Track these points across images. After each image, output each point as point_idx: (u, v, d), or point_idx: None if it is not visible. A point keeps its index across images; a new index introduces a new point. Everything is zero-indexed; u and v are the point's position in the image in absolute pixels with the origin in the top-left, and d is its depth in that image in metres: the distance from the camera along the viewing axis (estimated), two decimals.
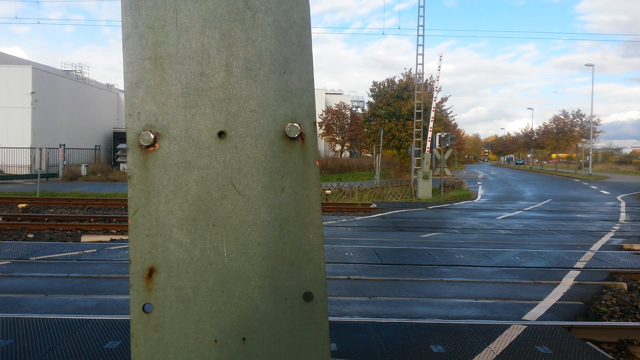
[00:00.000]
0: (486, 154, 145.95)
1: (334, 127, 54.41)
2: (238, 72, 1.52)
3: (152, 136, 1.49)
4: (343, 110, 55.25)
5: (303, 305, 1.48)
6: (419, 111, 24.27)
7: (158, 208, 1.49)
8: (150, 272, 1.49)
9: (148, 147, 1.50)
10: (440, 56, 24.79)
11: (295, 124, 1.49)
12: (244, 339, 1.48)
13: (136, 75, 1.51)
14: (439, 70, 24.53)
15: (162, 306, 1.48)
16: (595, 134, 55.06)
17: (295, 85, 1.51)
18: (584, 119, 58.98)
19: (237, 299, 1.49)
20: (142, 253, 1.49)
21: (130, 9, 1.50)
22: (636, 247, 10.04)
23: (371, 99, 39.46)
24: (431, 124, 23.49)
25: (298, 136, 1.49)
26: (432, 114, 24.46)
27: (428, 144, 22.60)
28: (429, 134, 22.88)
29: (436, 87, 24.83)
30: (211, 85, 1.52)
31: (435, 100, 24.75)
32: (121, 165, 34.24)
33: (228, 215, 1.50)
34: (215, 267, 1.49)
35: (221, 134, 1.51)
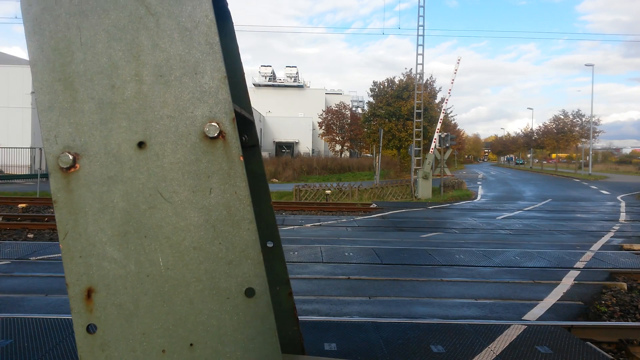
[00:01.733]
0: (486, 154, 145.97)
1: (334, 127, 54.42)
2: (149, 80, 1.52)
3: (70, 157, 1.50)
4: (343, 110, 55.25)
5: (246, 302, 1.49)
6: (419, 111, 24.27)
7: (87, 228, 1.50)
8: (89, 293, 1.50)
9: (68, 168, 1.50)
10: (459, 60, 23.49)
11: (213, 124, 1.49)
12: (191, 344, 1.49)
13: (48, 99, 1.52)
14: (455, 73, 23.53)
15: (105, 325, 1.50)
16: (595, 134, 55.09)
17: (209, 84, 1.51)
18: (584, 119, 59.04)
19: (179, 306, 1.50)
20: (78, 275, 1.50)
21: (34, 34, 1.51)
22: (636, 247, 10.04)
23: (371, 99, 39.48)
24: (439, 126, 23.30)
25: (218, 135, 1.49)
26: (442, 115, 24.42)
27: (433, 145, 22.37)
28: (436, 135, 22.59)
29: (449, 90, 24.25)
30: (124, 97, 1.52)
31: (446, 103, 24.47)
32: None
33: (159, 224, 1.50)
34: (153, 278, 1.50)
35: (141, 144, 1.51)
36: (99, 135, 1.51)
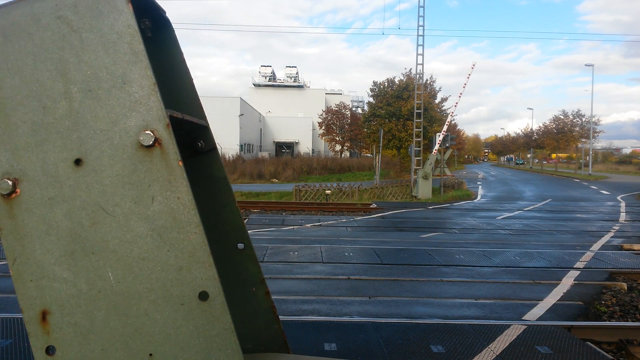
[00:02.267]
0: (486, 154, 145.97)
1: (334, 127, 54.43)
2: (79, 96, 1.52)
3: (10, 183, 1.50)
4: (343, 110, 55.26)
5: (201, 306, 1.49)
6: (419, 111, 24.27)
7: (35, 251, 1.51)
8: (44, 315, 1.50)
9: (9, 194, 1.51)
10: (473, 65, 23.08)
11: (148, 132, 1.49)
12: (150, 354, 1.50)
13: None
14: (468, 78, 23.11)
15: (64, 345, 1.50)
16: (595, 134, 55.07)
17: (139, 93, 1.51)
18: (583, 119, 59.02)
19: (134, 318, 1.50)
20: (31, 299, 1.51)
21: None
22: (636, 247, 10.04)
23: (371, 99, 39.45)
24: (445, 127, 23.18)
25: (154, 142, 1.49)
26: (449, 118, 24.40)
27: (437, 145, 22.24)
28: (441, 136, 22.39)
29: (460, 94, 23.92)
30: (56, 117, 1.53)
31: (455, 106, 24.29)
32: None
33: (104, 239, 1.51)
34: (105, 294, 1.51)
35: (78, 162, 1.52)
36: (36, 157, 1.52)
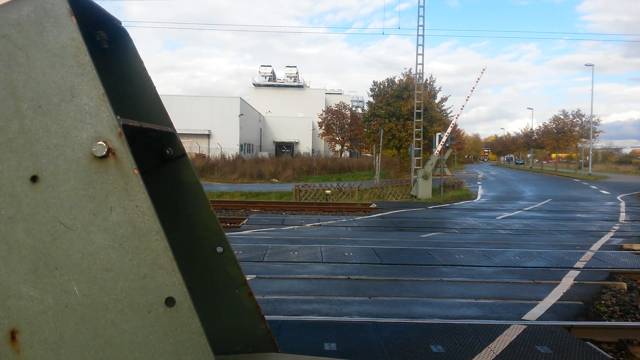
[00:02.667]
0: (486, 154, 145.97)
1: (334, 127, 54.43)
2: (30, 113, 1.52)
3: None
4: (343, 110, 55.26)
5: (168, 312, 1.49)
6: (419, 111, 24.27)
7: None
8: (13, 334, 1.50)
9: None
10: (483, 70, 22.71)
11: (100, 143, 1.49)
12: None
13: None
14: (477, 82, 23.06)
15: None
16: (595, 134, 55.11)
17: (89, 104, 1.51)
18: (583, 119, 59.06)
19: (103, 329, 1.50)
20: None
21: None
22: (636, 247, 10.04)
23: (371, 99, 39.46)
24: (449, 130, 23.17)
25: (108, 153, 1.49)
26: (454, 120, 24.45)
27: (439, 147, 22.17)
28: (444, 137, 22.29)
29: (467, 97, 23.75)
30: (9, 136, 1.53)
31: (462, 109, 24.24)
32: None
33: (67, 254, 1.51)
34: (72, 308, 1.51)
35: (34, 179, 1.52)
36: None
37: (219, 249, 2.25)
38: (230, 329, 2.28)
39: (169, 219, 2.21)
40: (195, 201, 2.22)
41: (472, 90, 23.26)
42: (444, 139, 22.20)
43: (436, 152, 22.09)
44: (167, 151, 2.12)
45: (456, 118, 24.68)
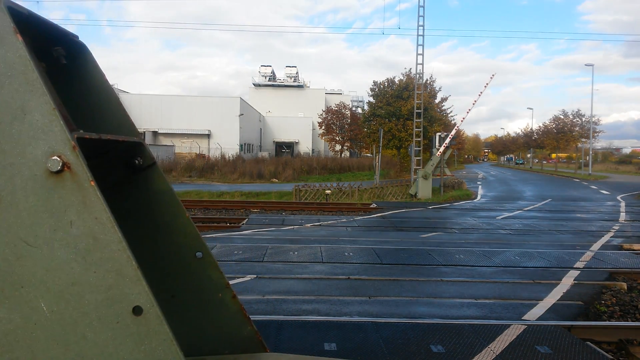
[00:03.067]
0: (486, 153, 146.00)
1: (334, 127, 54.44)
2: None
3: None
4: (343, 110, 55.27)
5: (137, 321, 1.50)
6: (419, 111, 24.28)
7: None
8: None
9: None
10: (492, 76, 22.75)
11: (54, 157, 1.50)
12: None
13: None
14: (485, 87, 23.05)
15: None
16: (595, 134, 55.11)
17: (40, 121, 1.52)
18: (583, 119, 59.07)
19: (74, 344, 1.51)
20: None
21: None
22: (636, 247, 10.04)
23: (371, 99, 39.47)
24: (453, 132, 23.14)
25: (63, 167, 1.50)
26: (459, 123, 24.42)
27: (442, 148, 22.13)
28: (447, 139, 22.24)
29: (474, 101, 23.67)
30: None
31: (468, 113, 24.21)
32: None
33: (32, 271, 1.51)
34: (42, 325, 1.52)
35: None
36: None
37: (199, 255, 2.26)
38: (216, 332, 2.30)
39: (146, 229, 2.23)
40: (170, 209, 2.23)
41: (479, 95, 23.26)
42: (447, 141, 22.13)
43: (438, 153, 22.04)
44: (137, 161, 2.13)
45: (461, 121, 24.65)
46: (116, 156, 2.11)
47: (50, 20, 1.83)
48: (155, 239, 2.23)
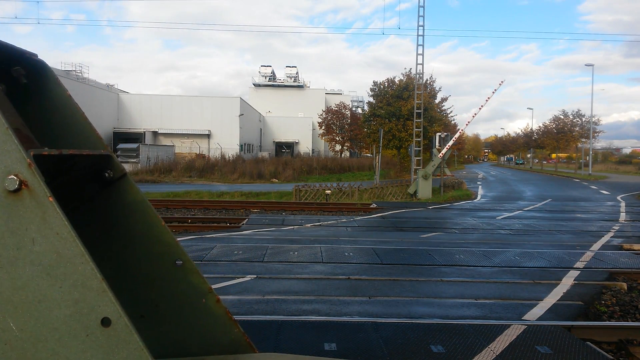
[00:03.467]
0: (486, 154, 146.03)
1: (334, 127, 54.44)
2: None
3: None
4: (343, 110, 55.28)
5: (106, 332, 1.51)
6: (419, 111, 24.28)
7: None
8: None
9: None
10: (501, 82, 22.99)
11: (11, 177, 1.50)
12: None
13: None
14: (493, 93, 23.19)
15: None
16: (595, 134, 55.08)
17: None
18: (583, 119, 59.03)
19: None
20: None
21: None
22: (636, 247, 10.04)
23: (371, 99, 39.47)
24: (457, 135, 23.14)
25: (20, 185, 1.50)
26: (465, 128, 24.45)
27: (444, 150, 22.12)
28: (450, 141, 22.19)
29: (480, 106, 23.66)
30: None
31: (474, 116, 24.25)
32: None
33: None
34: (12, 344, 1.53)
35: None
36: None
37: (179, 262, 2.28)
38: (203, 337, 2.31)
39: (123, 240, 2.24)
40: (145, 219, 2.24)
41: (487, 100, 23.21)
42: (450, 143, 22.10)
43: (440, 154, 22.01)
44: (107, 174, 2.14)
45: (466, 125, 24.68)
46: (85, 171, 2.12)
47: (6, 42, 1.84)
48: (133, 250, 2.24)
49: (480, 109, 23.52)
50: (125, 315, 1.52)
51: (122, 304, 1.54)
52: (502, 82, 23.13)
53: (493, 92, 22.98)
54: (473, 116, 24.40)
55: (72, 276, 1.51)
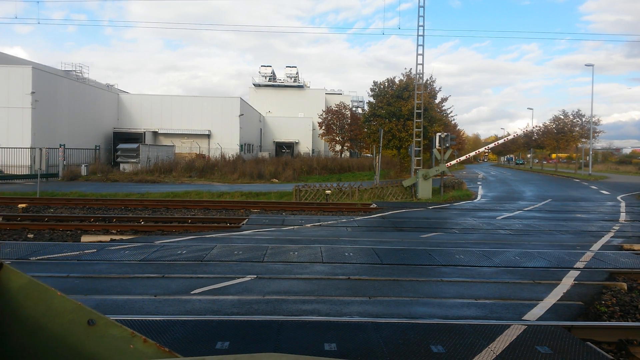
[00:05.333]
0: (486, 154, 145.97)
1: (334, 127, 54.42)
2: None
3: None
4: (343, 110, 55.25)
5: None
6: (419, 111, 24.27)
7: None
8: None
9: None
10: (516, 134, 23.64)
11: None
12: None
13: None
14: (507, 137, 23.43)
15: None
16: (595, 134, 55.03)
17: None
18: (584, 119, 59.00)
19: None
20: None
21: None
22: (636, 247, 10.04)
23: (371, 99, 39.44)
24: (473, 154, 23.34)
25: None
26: (473, 154, 24.57)
27: (453, 162, 22.26)
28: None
29: (495, 143, 24.01)
30: None
31: (488, 150, 24.52)
32: (121, 166, 34.26)
33: None
34: None
35: None
36: None
37: (92, 322, 2.28)
38: None
39: (25, 324, 2.29)
40: (40, 296, 2.25)
41: (495, 144, 23.86)
42: (462, 158, 22.30)
43: (448, 164, 22.17)
44: None
45: (476, 153, 24.95)
46: None
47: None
48: (43, 329, 2.26)
49: (495, 144, 24.27)
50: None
51: None
52: (516, 134, 24.13)
53: (507, 137, 23.54)
54: (487, 149, 24.97)
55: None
